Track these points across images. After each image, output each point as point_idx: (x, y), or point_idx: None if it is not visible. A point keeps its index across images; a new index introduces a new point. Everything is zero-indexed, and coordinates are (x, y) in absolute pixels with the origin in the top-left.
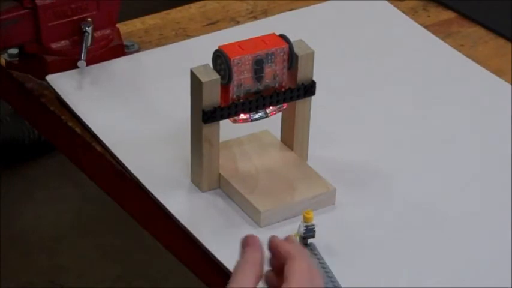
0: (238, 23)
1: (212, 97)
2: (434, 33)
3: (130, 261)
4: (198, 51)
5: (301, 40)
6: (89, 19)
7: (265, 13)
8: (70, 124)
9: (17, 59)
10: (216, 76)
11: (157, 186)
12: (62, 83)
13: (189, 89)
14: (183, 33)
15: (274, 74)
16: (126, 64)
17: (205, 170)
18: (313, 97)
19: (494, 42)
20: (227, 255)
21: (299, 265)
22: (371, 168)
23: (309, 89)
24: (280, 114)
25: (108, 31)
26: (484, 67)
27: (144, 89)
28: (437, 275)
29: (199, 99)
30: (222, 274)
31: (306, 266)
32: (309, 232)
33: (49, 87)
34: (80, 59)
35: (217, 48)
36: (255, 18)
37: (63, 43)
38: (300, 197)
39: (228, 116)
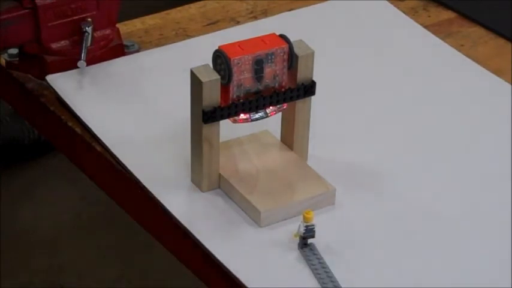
0: (238, 23)
1: (212, 97)
2: (434, 33)
3: (130, 261)
4: (198, 51)
5: (301, 40)
6: (89, 19)
7: (265, 13)
8: (70, 124)
9: (17, 59)
10: (216, 76)
11: (157, 186)
12: (62, 83)
13: (189, 89)
14: (183, 33)
15: (274, 74)
16: (126, 64)
17: (205, 170)
18: (313, 97)
19: (494, 42)
20: (227, 255)
21: None
22: (371, 168)
23: (309, 89)
24: (280, 114)
25: (108, 31)
26: (484, 67)
27: (144, 89)
28: (437, 275)
29: (199, 99)
30: (222, 274)
31: None
32: (309, 232)
33: (49, 87)
34: (80, 59)
35: (217, 48)
36: (255, 18)
37: (63, 43)
38: (300, 197)
39: (228, 116)
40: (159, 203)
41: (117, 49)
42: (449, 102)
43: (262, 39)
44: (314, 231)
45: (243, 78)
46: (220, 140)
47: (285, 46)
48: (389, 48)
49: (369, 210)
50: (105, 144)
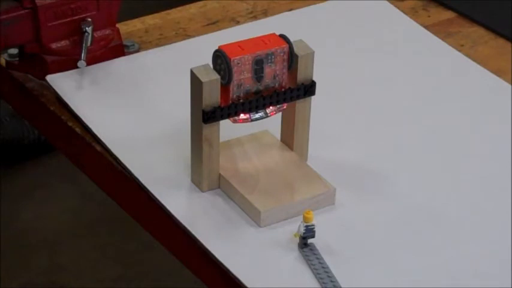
0: (238, 23)
1: (212, 97)
2: (434, 33)
3: (130, 261)
4: (198, 51)
5: (301, 40)
6: (89, 19)
7: (265, 13)
8: (70, 124)
9: (17, 59)
10: (216, 76)
11: (157, 186)
12: (62, 83)
13: (189, 89)
14: (183, 33)
15: (274, 74)
16: (126, 64)
17: (205, 170)
18: (313, 97)
19: (494, 42)
20: (227, 255)
21: None
22: (371, 168)
23: (309, 89)
24: (280, 114)
25: (108, 31)
26: (484, 67)
27: (144, 89)
28: (437, 275)
29: (199, 99)
30: (222, 274)
31: None
32: (309, 232)
33: (49, 87)
34: (80, 59)
35: (217, 48)
36: (255, 18)
37: (63, 43)
38: (300, 197)
39: (228, 116)
40: (159, 203)
41: (117, 49)
42: (450, 102)
43: (262, 39)
44: (314, 231)
45: (243, 78)
46: (220, 140)
47: (285, 46)
48: (389, 48)
49: (369, 210)
50: (105, 144)
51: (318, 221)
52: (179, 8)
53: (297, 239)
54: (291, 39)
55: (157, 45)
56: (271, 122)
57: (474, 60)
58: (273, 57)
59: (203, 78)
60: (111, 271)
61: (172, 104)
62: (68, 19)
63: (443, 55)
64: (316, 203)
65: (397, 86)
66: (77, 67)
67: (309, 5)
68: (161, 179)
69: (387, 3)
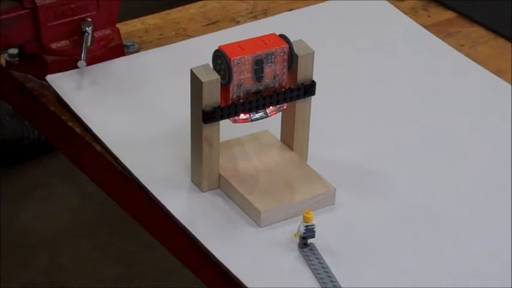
0: (238, 23)
1: (212, 97)
2: (434, 33)
3: (130, 261)
4: (198, 51)
5: (301, 40)
6: (89, 19)
7: (265, 13)
8: (70, 124)
9: (17, 59)
10: (216, 76)
11: (157, 186)
12: (62, 83)
13: (189, 89)
14: (183, 33)
15: (274, 74)
16: (126, 64)
17: (205, 170)
18: (313, 97)
19: (494, 42)
20: (227, 255)
21: None
22: (371, 168)
23: (309, 89)
24: (280, 114)
25: (108, 31)
26: (484, 67)
27: (144, 89)
28: (437, 275)
29: (199, 99)
30: (222, 274)
31: None
32: (309, 232)
33: (49, 87)
34: (80, 59)
35: (217, 48)
36: (255, 18)
37: (63, 43)
38: (300, 197)
39: (228, 116)
40: (159, 203)
41: (117, 49)
42: (450, 102)
43: (262, 39)
44: (314, 231)
45: (243, 78)
46: (220, 140)
47: (285, 46)
48: (389, 48)
49: (369, 210)
50: (105, 144)
51: (318, 221)
52: (179, 8)
53: (297, 239)
54: (291, 39)
55: (157, 45)
56: (271, 122)
57: (474, 60)
58: (273, 57)
59: (203, 78)
60: (111, 271)
61: (172, 104)
62: (68, 19)
63: (443, 55)
64: (316, 203)
65: (397, 86)
66: (77, 67)
67: (309, 5)
68: (161, 179)
69: (387, 3)
